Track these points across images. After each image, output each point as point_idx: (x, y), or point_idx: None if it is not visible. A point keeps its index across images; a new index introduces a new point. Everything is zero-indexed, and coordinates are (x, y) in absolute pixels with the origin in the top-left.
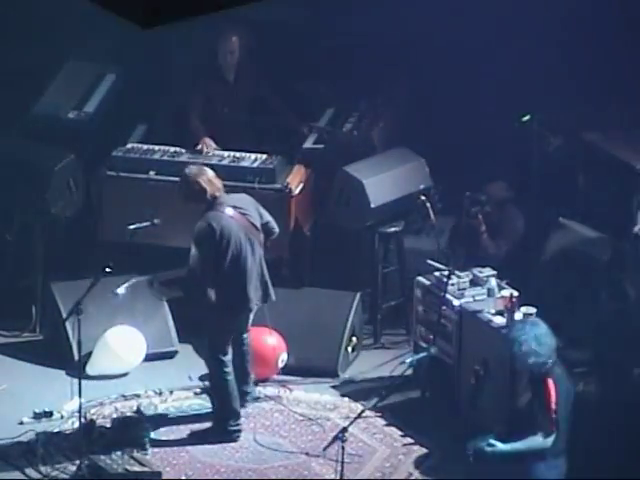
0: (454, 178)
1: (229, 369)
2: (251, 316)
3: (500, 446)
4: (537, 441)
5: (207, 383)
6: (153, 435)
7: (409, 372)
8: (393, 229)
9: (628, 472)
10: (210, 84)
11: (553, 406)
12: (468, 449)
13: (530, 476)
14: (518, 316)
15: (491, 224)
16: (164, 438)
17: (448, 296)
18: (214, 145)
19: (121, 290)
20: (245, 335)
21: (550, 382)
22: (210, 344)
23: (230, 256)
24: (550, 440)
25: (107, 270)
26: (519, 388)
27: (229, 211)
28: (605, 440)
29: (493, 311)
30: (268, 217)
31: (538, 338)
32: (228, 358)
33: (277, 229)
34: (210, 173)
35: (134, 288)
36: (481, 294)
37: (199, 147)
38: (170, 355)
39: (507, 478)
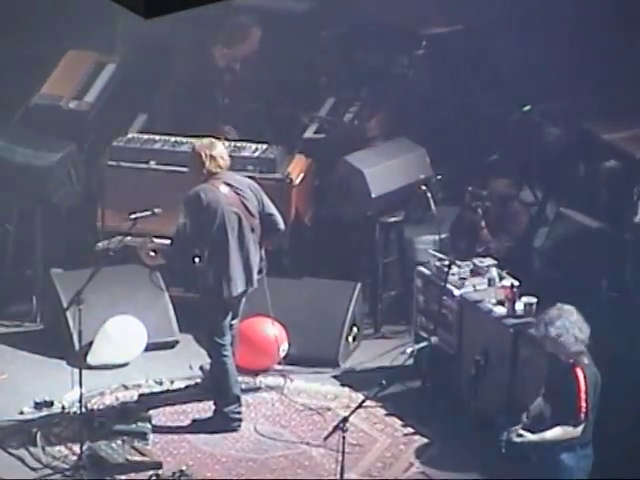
0: (455, 168)
1: (228, 352)
2: (243, 301)
3: (529, 436)
4: (567, 431)
5: (207, 366)
6: (154, 423)
7: (410, 362)
8: (394, 219)
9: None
10: (211, 74)
11: (583, 395)
12: (501, 440)
13: (561, 466)
14: (519, 306)
15: (492, 220)
16: (165, 427)
17: (449, 286)
18: (234, 132)
19: (103, 244)
20: (234, 322)
21: (580, 371)
22: (207, 328)
23: (214, 230)
24: (579, 429)
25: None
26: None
27: (223, 188)
28: (603, 425)
29: (494, 301)
30: (273, 210)
31: (578, 324)
32: (226, 341)
33: (282, 225)
34: (218, 149)
35: (134, 277)
36: (482, 284)
37: (221, 137)
38: (171, 345)
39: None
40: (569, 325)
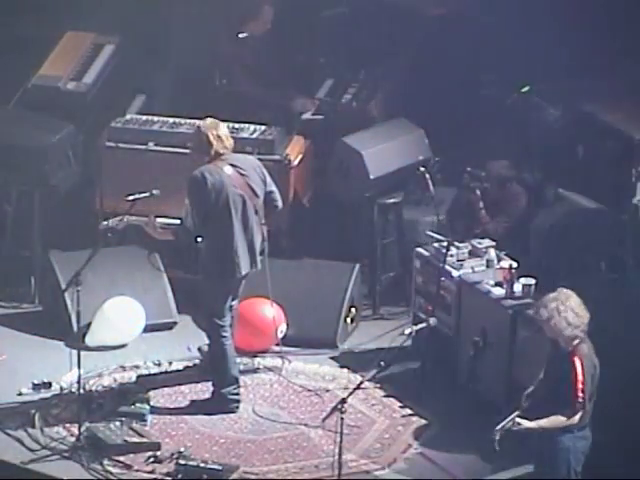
0: (453, 149)
1: (227, 334)
2: (242, 282)
3: (526, 423)
4: (564, 419)
5: (205, 347)
6: (152, 405)
7: (408, 343)
8: (392, 200)
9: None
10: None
11: (580, 386)
12: (495, 433)
13: (558, 446)
14: (517, 287)
15: (490, 201)
16: (163, 409)
17: (447, 267)
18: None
19: (108, 223)
20: (234, 303)
21: (578, 361)
22: (206, 309)
23: (218, 211)
24: (577, 418)
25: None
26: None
27: (227, 169)
28: (602, 407)
29: (492, 282)
30: (273, 188)
31: (575, 310)
32: (225, 322)
33: (280, 203)
34: (223, 130)
35: (133, 258)
36: (480, 265)
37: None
38: (169, 326)
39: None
40: (562, 309)
